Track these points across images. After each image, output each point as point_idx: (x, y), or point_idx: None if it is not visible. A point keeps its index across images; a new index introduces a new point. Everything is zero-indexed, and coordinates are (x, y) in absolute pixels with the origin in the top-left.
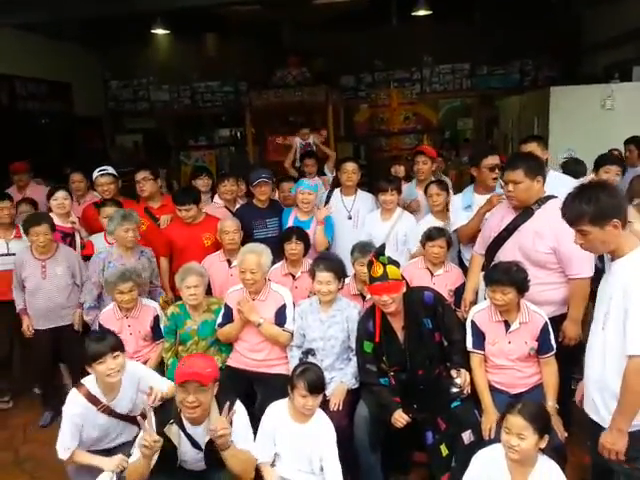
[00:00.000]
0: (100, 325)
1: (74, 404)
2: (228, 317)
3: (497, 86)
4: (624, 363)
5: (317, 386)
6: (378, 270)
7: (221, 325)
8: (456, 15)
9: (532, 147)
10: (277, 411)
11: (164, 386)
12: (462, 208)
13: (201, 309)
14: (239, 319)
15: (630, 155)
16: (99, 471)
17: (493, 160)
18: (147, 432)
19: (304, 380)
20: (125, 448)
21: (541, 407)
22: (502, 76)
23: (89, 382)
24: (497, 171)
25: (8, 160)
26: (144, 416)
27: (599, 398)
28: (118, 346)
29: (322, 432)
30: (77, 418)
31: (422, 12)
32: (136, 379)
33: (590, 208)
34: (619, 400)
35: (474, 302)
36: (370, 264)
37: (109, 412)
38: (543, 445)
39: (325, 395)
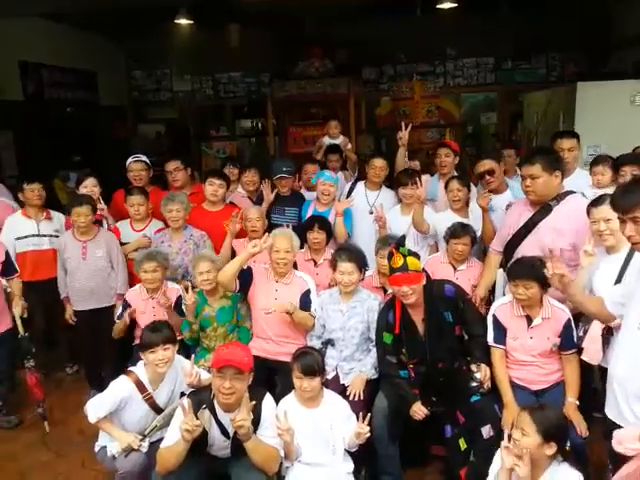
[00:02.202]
0: (125, 302)
1: (123, 387)
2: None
3: (522, 81)
4: None
5: (311, 369)
6: (398, 261)
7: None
8: (481, 8)
9: (572, 144)
10: (286, 405)
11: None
12: None
13: (217, 295)
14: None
15: None
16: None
17: (482, 167)
18: (188, 416)
19: (298, 363)
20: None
21: (557, 414)
22: (527, 71)
23: (138, 370)
24: (487, 177)
25: (35, 147)
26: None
27: (625, 403)
28: (171, 339)
29: (336, 408)
30: (120, 400)
31: (447, 4)
32: (177, 372)
33: None
34: None
35: (485, 299)
36: (390, 255)
37: (151, 402)
38: (549, 452)
39: (344, 385)
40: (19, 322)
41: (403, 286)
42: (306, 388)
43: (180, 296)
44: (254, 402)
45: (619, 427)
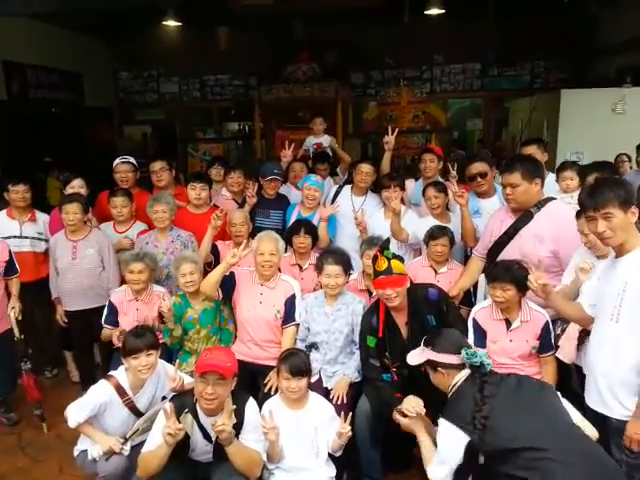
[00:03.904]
0: (110, 303)
1: (103, 392)
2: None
3: (507, 87)
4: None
5: (299, 369)
6: (382, 264)
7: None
8: (469, 15)
9: (532, 149)
10: (271, 406)
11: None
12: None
13: (200, 297)
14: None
15: None
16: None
17: (475, 169)
18: (171, 420)
19: (286, 364)
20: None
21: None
22: (513, 77)
23: (119, 375)
24: (479, 179)
25: (19, 147)
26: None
27: (608, 390)
28: (154, 345)
29: (321, 411)
30: (99, 405)
31: (435, 10)
32: (158, 376)
33: (621, 191)
34: None
35: (459, 299)
36: (375, 258)
37: (131, 407)
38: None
39: (327, 388)
40: (15, 324)
41: (387, 289)
42: (294, 389)
43: None
44: (234, 406)
45: (602, 416)
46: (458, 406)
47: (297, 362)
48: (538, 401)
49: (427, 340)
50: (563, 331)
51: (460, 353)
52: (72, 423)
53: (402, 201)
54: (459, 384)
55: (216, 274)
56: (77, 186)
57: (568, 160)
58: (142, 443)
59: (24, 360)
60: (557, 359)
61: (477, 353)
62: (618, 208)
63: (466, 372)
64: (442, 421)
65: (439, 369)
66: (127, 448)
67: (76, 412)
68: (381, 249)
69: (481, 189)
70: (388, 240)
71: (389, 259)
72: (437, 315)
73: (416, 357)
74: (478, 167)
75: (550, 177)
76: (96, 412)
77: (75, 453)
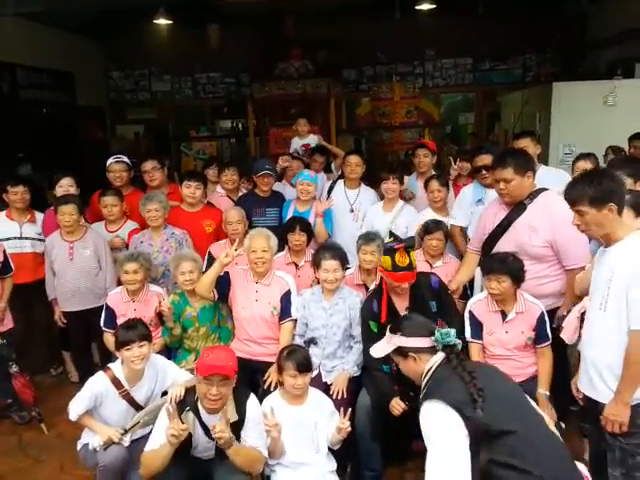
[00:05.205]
0: (107, 306)
1: (98, 383)
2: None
3: (499, 81)
4: (625, 341)
5: (305, 365)
6: (405, 259)
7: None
8: (459, 9)
9: (525, 143)
10: (271, 403)
11: (182, 378)
12: (473, 202)
13: (199, 295)
14: (218, 265)
15: (635, 151)
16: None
17: (480, 161)
18: (174, 421)
19: (292, 361)
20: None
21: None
22: (504, 71)
23: (115, 367)
24: (483, 172)
25: (10, 149)
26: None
27: (597, 375)
28: (146, 336)
29: (320, 406)
30: (96, 396)
31: (426, 6)
32: (157, 372)
33: (591, 190)
34: (623, 373)
35: (458, 293)
36: (393, 252)
37: (129, 399)
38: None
39: (327, 383)
40: None
41: (406, 282)
42: (299, 385)
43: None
44: (229, 419)
45: (594, 402)
46: (445, 387)
47: (301, 358)
48: (511, 385)
49: (394, 327)
50: (568, 312)
51: (430, 335)
52: (73, 416)
53: (401, 195)
54: (435, 368)
55: (210, 275)
56: (66, 185)
57: (585, 152)
58: (143, 437)
59: (9, 364)
60: (553, 348)
61: (450, 331)
62: (588, 206)
63: (440, 355)
64: (431, 404)
65: (410, 354)
66: (127, 439)
67: (75, 405)
68: (405, 247)
69: (486, 181)
70: (412, 238)
71: (409, 254)
72: (438, 302)
73: (383, 347)
74: (484, 159)
75: (542, 170)
76: (94, 404)
77: (78, 447)
